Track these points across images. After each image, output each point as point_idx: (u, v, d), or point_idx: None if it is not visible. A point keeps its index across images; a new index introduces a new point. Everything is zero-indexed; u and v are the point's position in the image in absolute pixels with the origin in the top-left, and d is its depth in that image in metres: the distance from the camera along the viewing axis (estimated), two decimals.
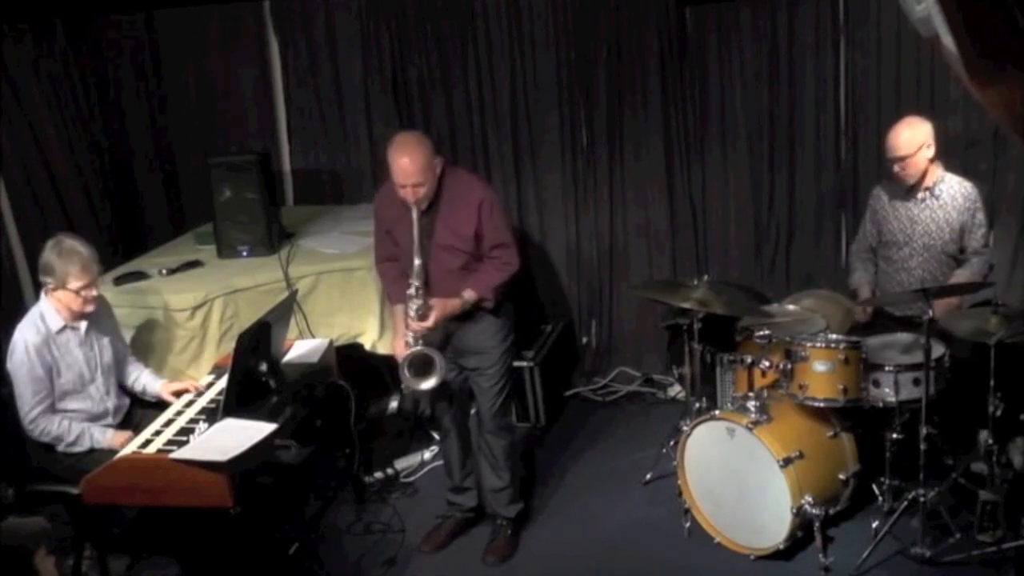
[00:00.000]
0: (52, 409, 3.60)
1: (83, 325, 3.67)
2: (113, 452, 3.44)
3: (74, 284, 3.54)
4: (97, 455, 3.49)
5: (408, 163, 3.57)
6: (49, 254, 3.57)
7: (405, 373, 3.73)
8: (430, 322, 3.67)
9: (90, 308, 3.63)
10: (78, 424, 3.62)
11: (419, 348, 3.70)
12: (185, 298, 4.18)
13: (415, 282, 3.65)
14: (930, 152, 3.98)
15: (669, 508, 4.09)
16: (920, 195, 4.06)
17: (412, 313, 3.68)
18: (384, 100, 5.39)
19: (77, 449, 3.60)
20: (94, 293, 3.62)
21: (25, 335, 3.56)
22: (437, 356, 3.69)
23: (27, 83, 5.07)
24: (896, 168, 4.00)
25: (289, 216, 5.06)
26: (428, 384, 3.72)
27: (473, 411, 4.04)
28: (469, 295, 3.73)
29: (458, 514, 4.12)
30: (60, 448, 3.60)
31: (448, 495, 4.14)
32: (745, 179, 5.08)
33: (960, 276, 4.03)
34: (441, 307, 3.69)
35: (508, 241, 3.80)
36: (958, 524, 3.67)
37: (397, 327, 3.91)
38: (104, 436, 3.62)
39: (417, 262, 3.64)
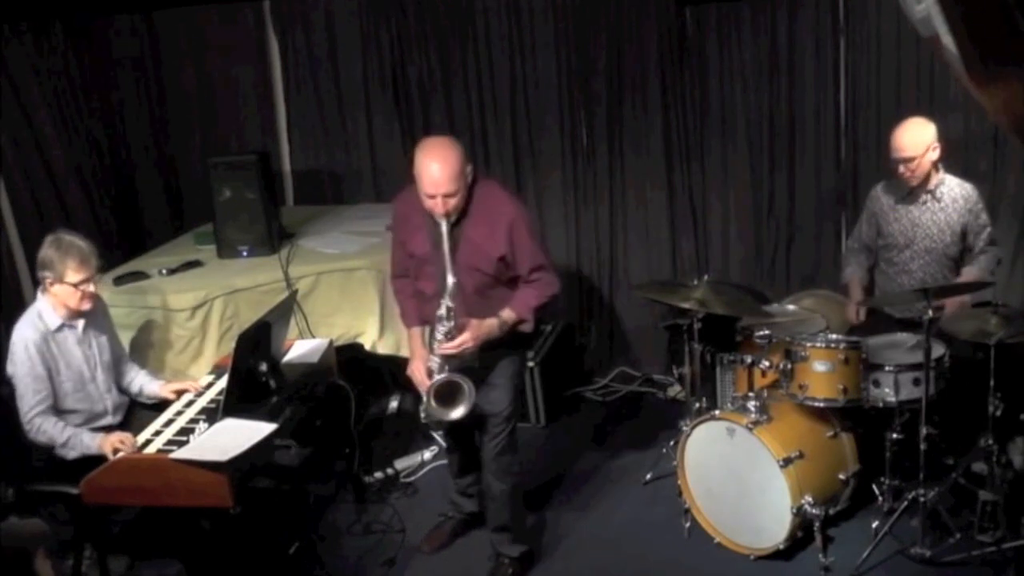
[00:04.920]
0: (52, 410, 3.55)
1: (80, 324, 3.63)
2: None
3: (73, 278, 3.49)
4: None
5: (439, 170, 3.23)
6: (48, 249, 3.53)
7: (432, 403, 3.40)
8: (466, 343, 3.35)
9: (87, 306, 3.57)
10: (70, 428, 3.54)
11: (445, 376, 3.38)
12: (185, 298, 4.18)
13: (447, 303, 3.33)
14: (935, 154, 3.96)
15: (669, 508, 4.08)
16: (922, 197, 4.04)
17: (440, 336, 3.38)
18: (384, 100, 5.39)
19: (70, 454, 3.51)
20: (92, 289, 3.57)
21: (24, 334, 3.53)
22: (466, 383, 3.36)
23: (27, 83, 5.07)
24: (901, 168, 3.96)
25: (289, 216, 5.06)
26: (455, 414, 3.40)
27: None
28: (508, 315, 3.44)
29: (459, 514, 4.10)
30: (56, 451, 3.54)
31: (451, 495, 4.11)
32: (745, 179, 5.08)
33: (969, 274, 4.01)
34: (475, 328, 3.37)
35: (545, 263, 3.50)
36: (958, 524, 3.66)
37: (415, 350, 3.61)
38: (93, 441, 3.48)
39: (451, 280, 3.30)
